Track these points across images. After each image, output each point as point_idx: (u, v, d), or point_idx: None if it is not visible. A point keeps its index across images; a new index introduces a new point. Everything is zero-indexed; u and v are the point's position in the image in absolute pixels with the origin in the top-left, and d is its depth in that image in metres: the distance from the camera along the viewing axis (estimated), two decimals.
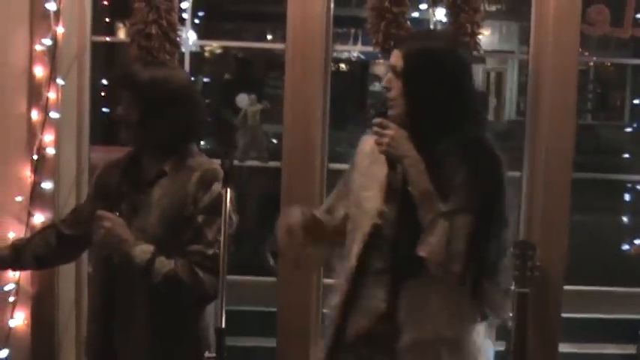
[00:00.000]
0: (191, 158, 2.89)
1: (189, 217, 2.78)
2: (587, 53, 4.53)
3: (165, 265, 2.73)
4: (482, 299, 2.63)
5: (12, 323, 3.91)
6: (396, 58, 2.67)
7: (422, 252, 2.55)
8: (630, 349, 4.34)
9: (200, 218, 2.79)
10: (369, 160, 2.80)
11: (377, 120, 2.66)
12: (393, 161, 2.68)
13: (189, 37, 4.20)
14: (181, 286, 2.74)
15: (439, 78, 2.64)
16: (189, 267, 2.74)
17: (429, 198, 2.58)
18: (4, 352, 3.86)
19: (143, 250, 2.75)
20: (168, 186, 2.82)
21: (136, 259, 2.73)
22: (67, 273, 4.03)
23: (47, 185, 3.96)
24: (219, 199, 2.64)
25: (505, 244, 2.67)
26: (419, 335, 2.63)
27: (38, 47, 3.94)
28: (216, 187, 2.77)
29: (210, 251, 2.75)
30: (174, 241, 2.78)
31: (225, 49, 10.10)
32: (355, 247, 2.73)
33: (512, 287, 3.68)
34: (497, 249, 2.61)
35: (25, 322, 3.96)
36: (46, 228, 3.22)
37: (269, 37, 10.00)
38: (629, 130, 5.35)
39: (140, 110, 2.81)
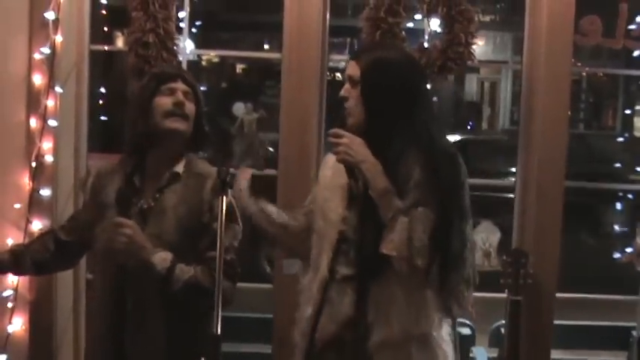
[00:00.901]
0: (197, 164, 2.94)
1: (205, 224, 2.81)
2: (579, 63, 4.57)
3: (185, 272, 2.76)
4: (449, 292, 2.70)
5: (10, 329, 3.93)
6: (353, 68, 2.76)
7: (384, 249, 2.63)
8: (621, 356, 4.36)
9: (216, 225, 2.75)
10: (331, 173, 2.87)
11: (331, 130, 2.74)
12: (351, 168, 2.74)
13: (187, 46, 4.24)
14: (202, 292, 2.75)
15: (394, 85, 2.72)
16: (210, 273, 2.73)
17: (388, 197, 2.66)
18: (3, 358, 3.88)
19: (163, 258, 2.75)
20: (183, 192, 2.85)
21: (156, 267, 2.74)
22: (64, 279, 4.05)
23: (45, 192, 3.99)
24: (231, 206, 2.79)
25: (467, 236, 2.72)
26: (388, 335, 2.69)
27: (37, 56, 3.97)
28: (229, 193, 2.76)
29: (228, 257, 2.78)
30: (191, 248, 2.81)
31: (223, 58, 10.13)
32: (325, 257, 2.79)
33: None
34: (460, 241, 2.67)
35: (23, 327, 3.98)
36: (44, 234, 3.22)
37: (266, 46, 10.03)
38: (620, 139, 5.41)
39: (197, 103, 2.92)
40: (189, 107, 2.89)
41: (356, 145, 2.69)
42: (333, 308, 2.76)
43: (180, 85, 2.90)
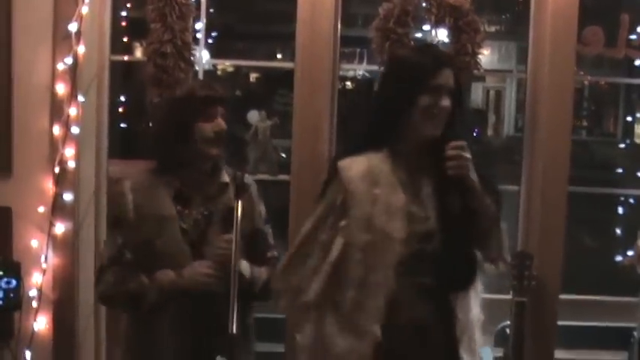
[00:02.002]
0: (228, 171, 3.01)
1: (258, 228, 3.00)
2: (582, 72, 4.62)
3: (261, 273, 2.94)
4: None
5: (35, 327, 4.01)
6: (449, 78, 2.74)
7: (506, 257, 2.81)
8: (622, 356, 4.41)
9: (266, 228, 3.00)
10: (372, 187, 2.74)
11: (458, 143, 2.67)
12: (458, 182, 2.69)
13: (203, 56, 4.27)
14: (270, 291, 2.91)
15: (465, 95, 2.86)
16: (273, 272, 2.92)
17: (488, 207, 2.73)
18: (28, 355, 3.98)
19: (245, 264, 2.88)
20: (247, 199, 2.89)
21: (244, 274, 2.85)
22: (86, 280, 4.11)
23: (68, 197, 4.06)
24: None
25: None
26: (470, 319, 2.81)
27: (60, 66, 4.03)
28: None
29: (276, 253, 3.04)
30: (252, 252, 2.92)
31: (237, 67, 10.16)
32: (383, 273, 2.71)
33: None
34: None
35: (47, 326, 4.06)
36: (121, 273, 2.94)
37: (279, 55, 10.08)
38: (622, 146, 5.46)
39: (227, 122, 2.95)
40: (226, 130, 2.92)
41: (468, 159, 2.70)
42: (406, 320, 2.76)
43: (219, 109, 2.92)
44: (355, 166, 2.77)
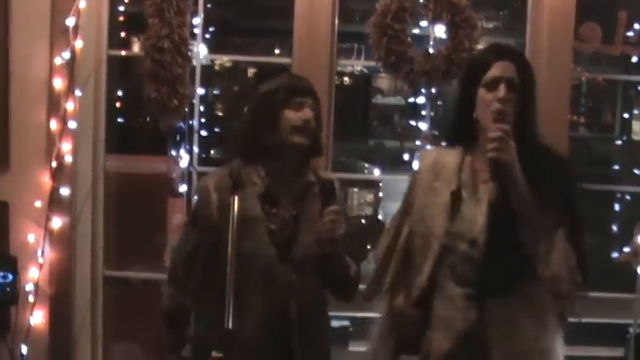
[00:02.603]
0: (319, 173, 2.97)
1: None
2: (579, 69, 4.63)
3: (351, 263, 2.91)
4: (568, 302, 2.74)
5: (31, 321, 4.01)
6: (510, 70, 2.70)
7: (546, 272, 2.59)
8: (618, 352, 4.43)
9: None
10: (430, 179, 2.81)
11: (505, 126, 2.61)
12: (498, 169, 2.62)
13: (200, 51, 4.27)
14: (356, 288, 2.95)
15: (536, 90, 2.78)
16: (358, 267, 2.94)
17: (532, 207, 2.59)
18: (24, 349, 3.98)
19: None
20: (317, 201, 2.81)
21: (349, 262, 2.89)
22: (83, 274, 4.17)
23: (65, 191, 4.07)
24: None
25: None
26: (510, 350, 2.66)
27: (58, 60, 4.04)
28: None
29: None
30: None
31: (235, 62, 10.15)
32: (426, 266, 2.77)
33: None
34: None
35: (44, 320, 4.07)
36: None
37: (277, 51, 10.09)
38: (619, 142, 5.46)
39: (318, 117, 2.88)
40: (314, 123, 2.85)
41: (511, 145, 2.61)
42: (447, 323, 2.75)
43: (308, 100, 2.85)
44: (428, 156, 2.90)
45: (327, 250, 2.77)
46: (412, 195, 2.89)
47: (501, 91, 2.67)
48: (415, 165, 2.96)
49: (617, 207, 4.62)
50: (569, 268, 2.62)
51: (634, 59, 4.34)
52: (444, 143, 2.99)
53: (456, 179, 2.77)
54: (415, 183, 2.89)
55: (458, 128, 2.83)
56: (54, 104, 4.06)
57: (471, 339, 2.70)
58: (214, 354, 2.45)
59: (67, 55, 4.04)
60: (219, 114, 9.33)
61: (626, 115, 13.77)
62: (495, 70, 2.70)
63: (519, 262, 2.64)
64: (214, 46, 4.65)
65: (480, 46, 4.06)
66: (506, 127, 2.60)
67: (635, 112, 13.20)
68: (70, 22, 4.02)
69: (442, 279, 2.76)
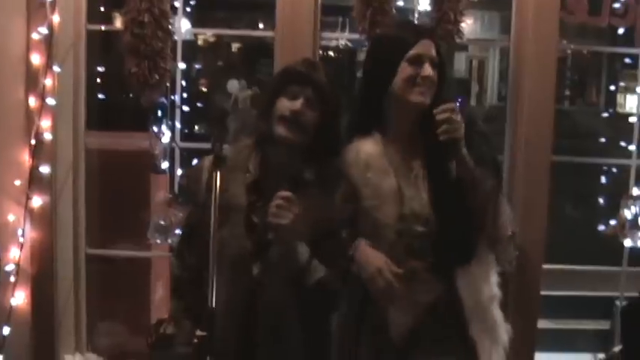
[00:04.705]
0: (331, 164, 2.77)
1: (332, 231, 2.71)
2: (565, 41, 4.60)
3: (318, 269, 2.64)
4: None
5: (13, 302, 3.96)
6: (430, 48, 2.79)
7: (506, 232, 2.88)
8: (605, 325, 4.45)
9: (345, 232, 2.72)
10: (369, 171, 2.81)
11: (450, 105, 2.67)
12: (449, 147, 2.68)
13: (182, 26, 4.21)
14: (327, 295, 2.70)
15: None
16: (337, 278, 2.69)
17: (479, 179, 2.71)
18: (7, 330, 3.92)
19: (304, 249, 2.64)
20: (313, 196, 2.68)
21: (299, 256, 2.62)
22: (64, 253, 4.12)
23: (45, 169, 4.02)
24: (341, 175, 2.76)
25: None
26: (477, 300, 2.81)
27: (35, 36, 3.97)
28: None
29: (349, 265, 2.74)
30: (315, 250, 2.66)
31: (218, 37, 10.10)
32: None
33: None
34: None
35: (26, 300, 4.02)
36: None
37: (261, 25, 10.06)
38: (605, 115, 5.44)
39: (321, 111, 2.70)
40: (309, 117, 2.69)
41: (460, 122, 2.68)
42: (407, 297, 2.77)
43: (306, 91, 2.69)
44: (349, 153, 2.85)
45: (270, 237, 2.64)
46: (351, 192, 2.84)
47: (427, 68, 2.75)
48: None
49: (603, 180, 4.61)
50: (502, 223, 2.86)
51: (620, 31, 4.32)
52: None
53: (387, 164, 2.80)
54: (350, 181, 2.84)
55: (374, 111, 2.84)
56: (32, 81, 4.00)
57: (433, 310, 2.79)
58: (198, 332, 2.42)
59: (44, 30, 3.97)
60: (203, 89, 9.29)
61: (612, 88, 13.80)
62: (419, 48, 2.78)
63: (474, 229, 2.79)
64: (197, 21, 4.60)
65: (465, 18, 4.04)
66: (452, 105, 2.68)
67: (621, 84, 13.20)
68: None
69: (397, 257, 2.77)
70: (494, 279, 2.91)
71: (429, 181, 2.78)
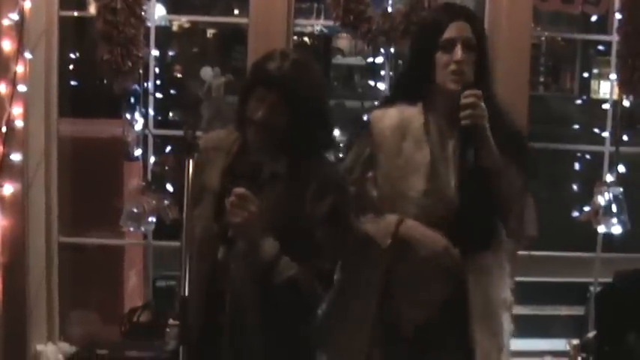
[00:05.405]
0: (306, 161, 2.65)
1: (305, 230, 2.57)
2: (539, 28, 4.61)
3: (289, 267, 2.53)
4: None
5: None
6: (466, 30, 2.70)
7: (529, 232, 2.83)
8: (579, 311, 4.47)
9: (320, 231, 2.59)
10: (394, 138, 2.76)
11: (475, 91, 2.61)
12: (472, 135, 2.62)
13: (157, 12, 4.20)
14: (299, 295, 2.58)
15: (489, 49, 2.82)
16: (311, 279, 2.58)
17: (504, 172, 2.63)
18: None
19: (272, 245, 2.53)
20: (281, 194, 2.61)
21: (264, 252, 2.52)
22: (36, 242, 4.10)
23: (16, 157, 3.97)
24: (338, 210, 2.60)
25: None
26: (486, 300, 2.73)
27: (5, 22, 3.91)
28: (334, 198, 2.62)
29: (327, 266, 2.65)
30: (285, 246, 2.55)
31: (193, 23, 10.04)
32: None
33: None
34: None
35: None
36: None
37: (236, 11, 10.03)
38: (579, 102, 5.46)
39: (291, 113, 2.57)
40: (276, 120, 2.55)
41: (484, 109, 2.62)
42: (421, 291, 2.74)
43: (271, 95, 2.56)
44: (387, 117, 2.80)
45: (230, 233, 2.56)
46: (371, 161, 2.80)
47: (458, 52, 2.67)
48: (373, 125, 2.83)
49: (577, 166, 4.63)
50: (526, 223, 2.77)
51: (593, 18, 4.33)
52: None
53: (425, 137, 2.74)
54: (377, 148, 2.79)
55: (415, 90, 2.79)
56: (3, 67, 3.94)
57: (447, 306, 2.73)
58: (171, 322, 2.45)
59: (15, 16, 3.91)
60: (178, 75, 9.24)
61: (585, 75, 13.88)
62: (451, 31, 2.70)
63: (493, 221, 2.72)
64: (172, 6, 4.57)
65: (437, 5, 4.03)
66: (477, 91, 2.61)
67: (595, 71, 13.28)
68: None
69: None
70: (508, 283, 2.85)
71: (458, 165, 2.72)
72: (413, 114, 2.78)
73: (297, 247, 2.54)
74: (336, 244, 2.65)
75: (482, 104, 2.60)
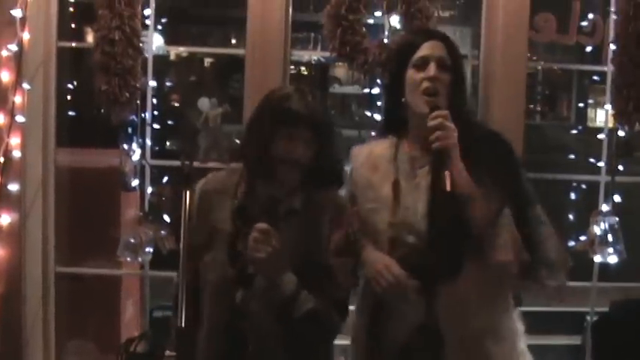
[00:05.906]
0: (319, 195, 2.68)
1: (323, 263, 2.61)
2: (535, 57, 4.64)
3: (308, 300, 2.55)
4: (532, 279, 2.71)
5: None
6: (440, 49, 2.66)
7: (500, 257, 2.59)
8: (576, 340, 4.46)
9: (333, 260, 2.63)
10: (371, 175, 2.79)
11: (443, 112, 2.56)
12: (442, 158, 2.56)
13: (154, 42, 4.22)
14: (319, 326, 2.60)
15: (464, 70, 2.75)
16: (329, 309, 2.60)
17: (476, 196, 2.55)
18: None
19: (290, 280, 2.54)
20: (299, 229, 2.62)
21: (284, 287, 2.52)
22: (33, 272, 4.09)
23: (14, 187, 3.99)
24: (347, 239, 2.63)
25: (539, 220, 2.76)
26: (463, 333, 2.65)
27: (4, 53, 3.95)
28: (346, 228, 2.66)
29: (345, 295, 2.68)
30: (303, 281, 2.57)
31: (191, 52, 10.13)
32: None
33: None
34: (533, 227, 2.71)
35: None
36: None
37: (233, 41, 10.05)
38: (574, 131, 5.47)
39: (316, 149, 2.61)
40: (307, 157, 2.59)
41: (453, 129, 2.56)
42: (402, 315, 2.71)
43: (302, 133, 2.57)
44: (362, 154, 2.84)
45: (251, 270, 2.58)
46: (352, 194, 2.85)
47: (431, 69, 2.65)
48: (351, 162, 2.88)
49: (573, 196, 4.63)
50: (515, 251, 2.62)
51: (588, 49, 4.36)
52: (373, 134, 2.95)
53: (393, 169, 2.74)
54: (352, 182, 2.84)
55: (388, 115, 2.82)
56: (1, 98, 3.98)
57: (425, 330, 2.69)
58: (167, 352, 2.43)
59: (13, 47, 3.95)
60: (176, 104, 9.26)
61: (581, 105, 13.91)
62: (424, 50, 2.69)
63: (464, 246, 2.64)
64: (169, 36, 4.59)
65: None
66: (444, 112, 2.57)
67: (590, 100, 13.31)
68: (17, 13, 3.94)
69: None
70: (505, 312, 2.79)
71: (430, 192, 2.67)
72: (384, 148, 2.81)
73: (314, 279, 2.56)
74: (349, 272, 2.69)
75: (451, 124, 2.56)
